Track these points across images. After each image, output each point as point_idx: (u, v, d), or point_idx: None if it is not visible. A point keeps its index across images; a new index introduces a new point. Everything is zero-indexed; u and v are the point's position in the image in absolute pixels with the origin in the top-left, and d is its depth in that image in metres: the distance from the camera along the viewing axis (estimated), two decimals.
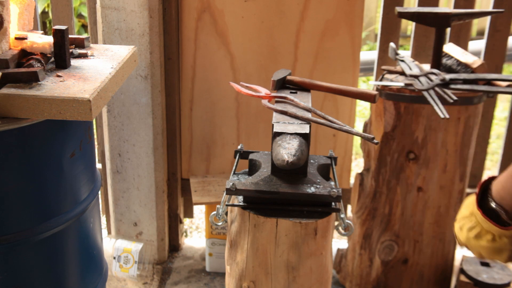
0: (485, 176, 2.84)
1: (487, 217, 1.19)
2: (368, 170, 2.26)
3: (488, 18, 2.49)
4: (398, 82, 2.08)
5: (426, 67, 2.19)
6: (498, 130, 4.11)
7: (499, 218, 1.19)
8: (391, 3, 2.42)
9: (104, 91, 1.41)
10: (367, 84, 4.73)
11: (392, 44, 2.23)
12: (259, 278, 1.40)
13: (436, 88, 1.99)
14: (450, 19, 2.04)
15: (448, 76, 2.01)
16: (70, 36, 1.59)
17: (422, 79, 2.04)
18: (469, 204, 1.25)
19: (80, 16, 4.65)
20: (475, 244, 1.22)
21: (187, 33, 2.36)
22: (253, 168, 1.49)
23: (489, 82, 2.09)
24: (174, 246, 2.73)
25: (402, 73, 2.15)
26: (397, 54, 2.22)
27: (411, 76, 2.06)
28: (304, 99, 1.52)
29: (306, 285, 1.40)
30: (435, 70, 2.06)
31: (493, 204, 1.19)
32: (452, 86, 1.99)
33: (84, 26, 4.68)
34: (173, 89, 2.42)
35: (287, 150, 1.28)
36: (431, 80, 2.03)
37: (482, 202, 1.22)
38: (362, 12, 2.34)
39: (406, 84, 2.04)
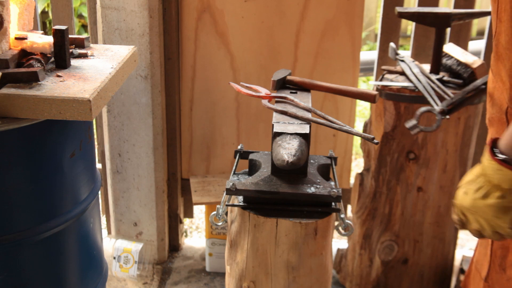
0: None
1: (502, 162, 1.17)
2: (368, 170, 2.26)
3: (488, 18, 2.49)
4: (398, 82, 2.08)
5: (426, 67, 2.19)
6: None
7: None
8: (391, 3, 2.42)
9: (104, 91, 1.41)
10: (367, 84, 4.72)
11: (392, 44, 2.23)
12: (259, 278, 1.40)
13: (436, 88, 1.99)
14: (450, 19, 2.04)
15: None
16: (70, 36, 1.59)
17: (422, 78, 2.04)
18: (474, 170, 1.25)
19: (80, 16, 4.65)
20: (481, 204, 1.20)
21: (187, 33, 2.36)
22: (253, 168, 1.49)
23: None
24: (174, 246, 2.73)
25: (402, 73, 2.15)
26: (397, 54, 2.22)
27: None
28: (304, 99, 1.52)
29: (306, 285, 1.40)
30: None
31: (501, 156, 1.18)
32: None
33: (84, 26, 4.68)
34: (173, 89, 2.42)
35: (287, 150, 1.28)
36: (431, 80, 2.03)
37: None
38: (362, 12, 2.34)
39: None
